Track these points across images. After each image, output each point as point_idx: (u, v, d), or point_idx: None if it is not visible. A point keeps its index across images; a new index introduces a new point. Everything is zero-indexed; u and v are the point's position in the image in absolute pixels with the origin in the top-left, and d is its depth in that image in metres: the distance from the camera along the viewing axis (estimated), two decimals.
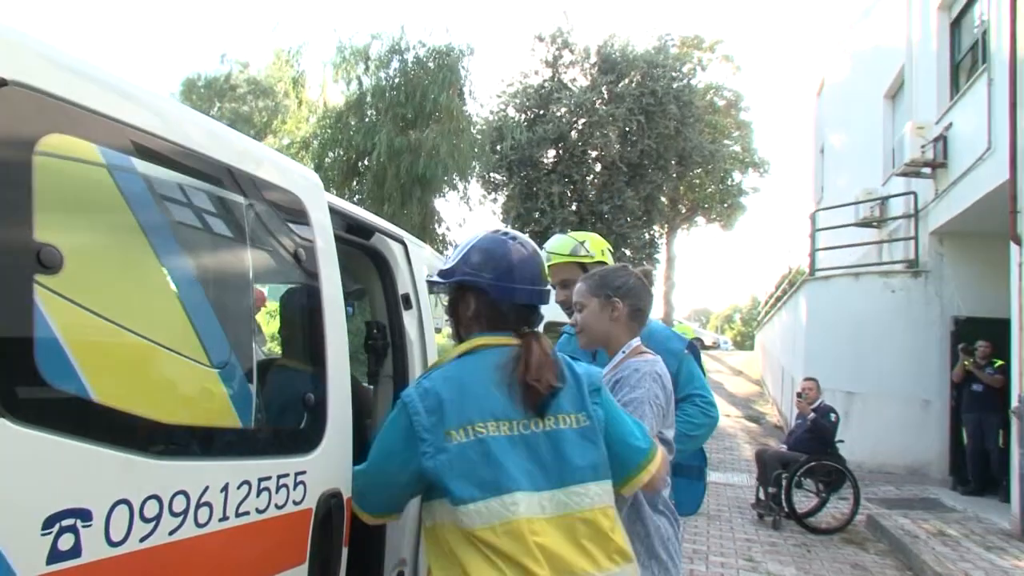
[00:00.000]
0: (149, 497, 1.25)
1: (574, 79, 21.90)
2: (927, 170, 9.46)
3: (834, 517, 7.41)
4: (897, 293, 9.93)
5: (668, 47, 22.96)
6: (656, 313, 2.41)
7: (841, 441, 7.44)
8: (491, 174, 20.62)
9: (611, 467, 1.65)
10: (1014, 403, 6.86)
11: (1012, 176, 6.81)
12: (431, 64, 14.34)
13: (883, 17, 12.47)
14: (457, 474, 1.50)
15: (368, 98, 14.76)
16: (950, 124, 9.02)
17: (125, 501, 1.20)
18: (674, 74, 21.81)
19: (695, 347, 2.50)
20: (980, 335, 8.60)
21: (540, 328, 1.75)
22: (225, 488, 1.42)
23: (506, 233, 1.76)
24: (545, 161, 21.37)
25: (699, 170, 25.04)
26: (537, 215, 20.41)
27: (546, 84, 21.53)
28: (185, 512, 1.32)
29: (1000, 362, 8.17)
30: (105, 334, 1.22)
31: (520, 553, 1.46)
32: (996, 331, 8.29)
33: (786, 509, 7.13)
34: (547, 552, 1.49)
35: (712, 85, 28.92)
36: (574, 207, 21.13)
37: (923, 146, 9.31)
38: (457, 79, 14.43)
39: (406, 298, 2.62)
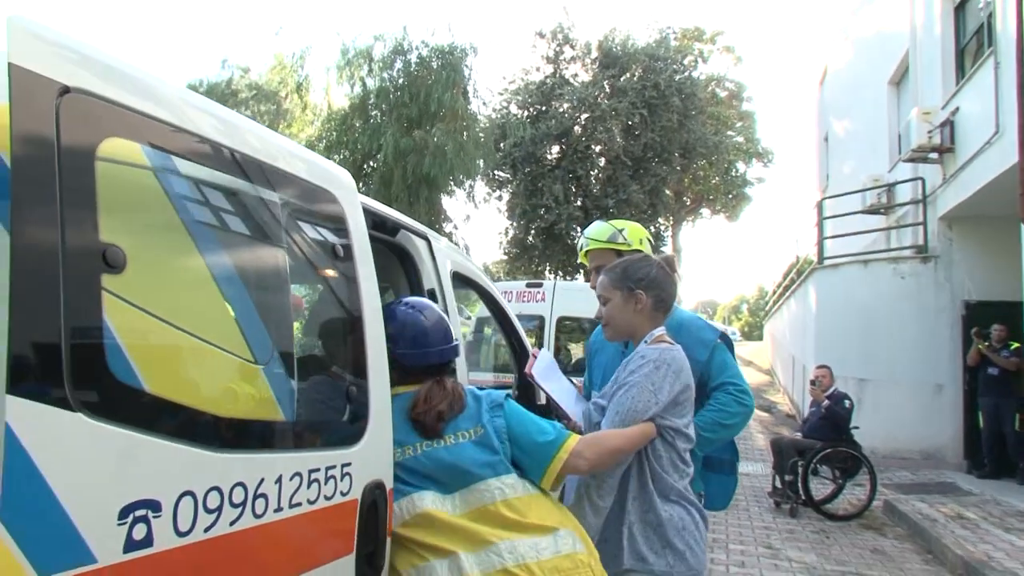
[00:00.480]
0: (211, 489, 1.28)
1: (576, 74, 21.91)
2: (934, 155, 9.45)
3: (851, 503, 7.42)
4: (907, 279, 9.93)
5: (669, 40, 22.96)
6: None
7: (856, 427, 7.45)
8: (495, 172, 20.64)
9: (530, 465, 1.90)
10: None
11: (1021, 159, 6.80)
12: (434, 64, 14.38)
13: (886, 2, 12.44)
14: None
15: (372, 99, 14.81)
16: (957, 108, 9.00)
17: (190, 493, 1.24)
18: (675, 67, 21.80)
19: (728, 337, 2.51)
20: (991, 319, 8.60)
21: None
22: (279, 480, 1.45)
23: (407, 303, 2.08)
24: (549, 157, 21.39)
25: (703, 162, 25.02)
26: (542, 211, 20.43)
27: (548, 80, 21.54)
28: (244, 503, 1.35)
29: (1016, 344, 8.17)
30: (166, 334, 1.26)
31: (430, 536, 1.76)
32: (1008, 314, 8.29)
33: (803, 496, 7.14)
34: (459, 531, 1.75)
35: (714, 76, 28.90)
36: (579, 202, 21.15)
37: (930, 131, 9.29)
38: (461, 78, 14.47)
39: (431, 293, 2.66)
